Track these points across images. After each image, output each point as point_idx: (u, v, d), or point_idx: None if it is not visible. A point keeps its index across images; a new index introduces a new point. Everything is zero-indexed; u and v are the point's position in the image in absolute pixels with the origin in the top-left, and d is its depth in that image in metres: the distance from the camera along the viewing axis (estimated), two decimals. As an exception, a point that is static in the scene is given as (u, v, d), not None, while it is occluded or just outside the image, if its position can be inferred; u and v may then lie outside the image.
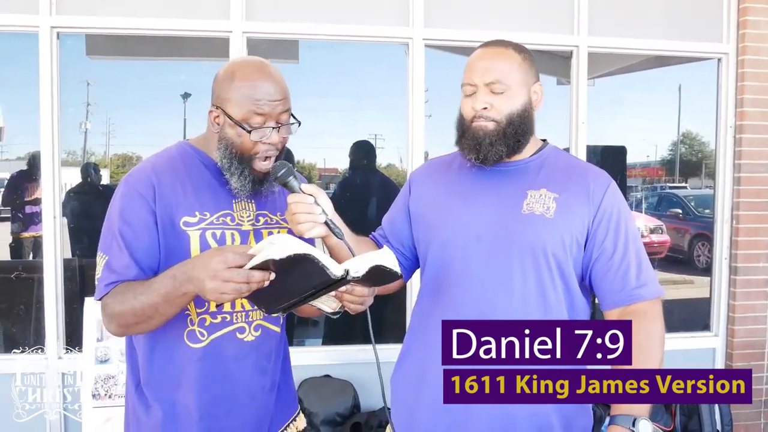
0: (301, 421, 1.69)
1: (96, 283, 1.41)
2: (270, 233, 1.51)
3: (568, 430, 1.48)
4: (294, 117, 1.46)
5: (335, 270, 1.17)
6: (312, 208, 1.35)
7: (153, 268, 1.39)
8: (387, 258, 1.27)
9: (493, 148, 1.46)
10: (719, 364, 3.56)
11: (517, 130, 1.48)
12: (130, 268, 1.37)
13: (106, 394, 2.64)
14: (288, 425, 1.64)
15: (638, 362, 1.32)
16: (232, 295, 1.20)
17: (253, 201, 1.51)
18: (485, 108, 1.45)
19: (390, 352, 1.68)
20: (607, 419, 1.39)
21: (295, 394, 1.71)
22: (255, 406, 1.52)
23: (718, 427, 3.23)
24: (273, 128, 1.41)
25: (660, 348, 1.42)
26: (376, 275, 1.26)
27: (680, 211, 8.01)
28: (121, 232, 1.38)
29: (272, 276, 1.20)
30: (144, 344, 1.46)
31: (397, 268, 1.28)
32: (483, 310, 1.45)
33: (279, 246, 1.14)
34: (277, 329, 1.56)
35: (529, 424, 1.44)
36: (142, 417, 1.46)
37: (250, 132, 1.39)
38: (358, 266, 1.22)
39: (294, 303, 1.29)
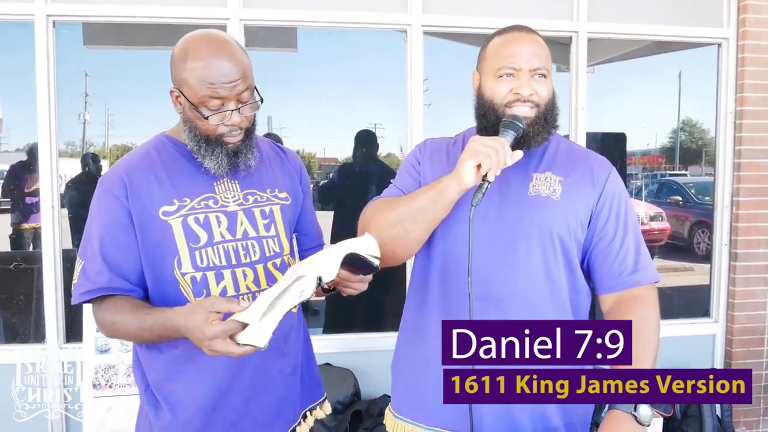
0: (326, 408, 1.68)
1: (72, 288, 1.41)
2: (262, 212, 1.49)
3: (566, 414, 1.48)
4: (257, 91, 1.41)
5: (308, 287, 1.20)
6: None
7: (130, 268, 1.38)
8: (364, 245, 1.24)
9: (538, 137, 1.47)
10: (719, 350, 3.57)
11: (554, 116, 1.50)
12: (102, 274, 1.36)
13: (106, 384, 2.65)
14: (310, 411, 1.63)
15: (635, 347, 1.31)
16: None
17: (236, 181, 1.48)
18: (531, 94, 1.45)
19: (391, 340, 1.68)
20: (607, 404, 1.39)
21: (320, 380, 1.70)
22: (273, 389, 1.50)
23: (718, 412, 3.24)
24: (233, 111, 1.35)
25: (656, 334, 1.43)
26: (356, 262, 1.25)
27: (680, 198, 8.00)
28: (97, 236, 1.38)
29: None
30: (145, 346, 1.46)
31: (373, 259, 1.26)
32: (488, 291, 1.44)
33: (256, 314, 1.18)
34: (293, 309, 1.53)
35: (528, 408, 1.44)
36: (152, 419, 1.45)
37: (207, 118, 1.35)
38: (328, 270, 1.21)
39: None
